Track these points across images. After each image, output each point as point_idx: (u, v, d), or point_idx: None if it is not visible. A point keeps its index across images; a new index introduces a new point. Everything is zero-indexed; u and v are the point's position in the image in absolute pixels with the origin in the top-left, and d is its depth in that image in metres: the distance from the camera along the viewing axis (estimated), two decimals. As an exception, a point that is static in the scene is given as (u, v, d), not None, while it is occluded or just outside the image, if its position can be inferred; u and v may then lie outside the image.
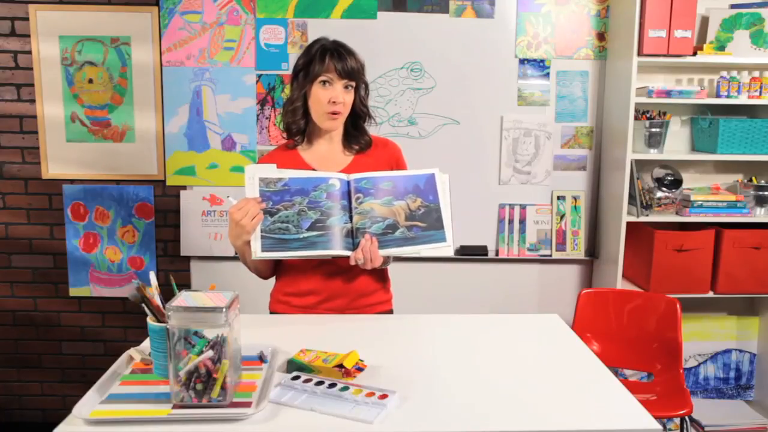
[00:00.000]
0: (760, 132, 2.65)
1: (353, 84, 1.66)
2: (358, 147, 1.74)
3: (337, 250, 1.56)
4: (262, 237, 1.54)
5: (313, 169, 1.70)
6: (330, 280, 1.70)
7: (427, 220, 1.59)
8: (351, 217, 1.59)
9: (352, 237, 1.58)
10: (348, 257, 1.57)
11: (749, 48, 2.68)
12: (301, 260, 1.65)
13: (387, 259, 1.67)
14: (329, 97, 1.63)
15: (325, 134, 1.72)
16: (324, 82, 1.63)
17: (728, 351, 3.01)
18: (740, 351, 3.01)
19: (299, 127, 1.70)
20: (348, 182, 1.62)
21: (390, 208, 1.59)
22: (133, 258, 2.89)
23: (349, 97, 1.66)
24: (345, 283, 1.70)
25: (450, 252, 1.59)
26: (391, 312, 1.82)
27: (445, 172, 1.65)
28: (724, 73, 2.68)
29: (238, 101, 2.79)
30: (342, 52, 1.64)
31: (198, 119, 2.80)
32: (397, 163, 1.78)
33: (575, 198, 2.89)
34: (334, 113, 1.64)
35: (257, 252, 1.54)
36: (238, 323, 1.19)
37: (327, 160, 1.73)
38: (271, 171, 1.59)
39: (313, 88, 1.64)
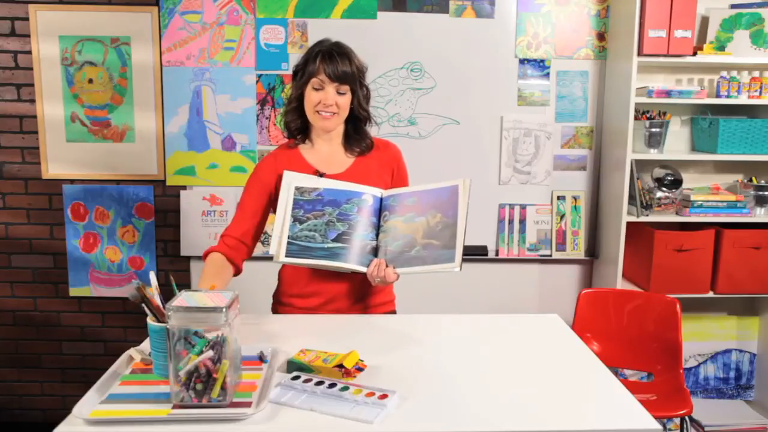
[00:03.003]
0: (760, 132, 2.65)
1: (346, 88, 1.65)
2: (359, 150, 1.75)
3: (355, 264, 1.57)
4: (289, 243, 1.55)
5: (316, 169, 1.70)
6: (333, 282, 1.70)
7: (441, 238, 1.53)
8: (377, 235, 1.60)
9: (375, 254, 1.59)
10: (363, 273, 1.57)
11: (749, 48, 2.68)
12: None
13: None
14: (319, 99, 1.64)
15: (324, 135, 1.72)
16: (316, 84, 1.63)
17: (728, 351, 3.01)
18: (740, 351, 3.01)
19: (297, 126, 1.73)
20: (381, 199, 1.63)
21: (410, 224, 1.58)
22: (133, 258, 2.89)
23: (343, 100, 1.65)
24: (348, 285, 1.70)
25: (456, 270, 1.50)
26: (394, 313, 1.83)
27: (469, 178, 1.57)
28: (724, 73, 2.68)
29: (238, 101, 2.79)
30: (335, 56, 1.62)
31: (198, 119, 2.79)
32: (398, 166, 1.79)
33: (575, 198, 2.88)
34: (323, 113, 1.64)
35: (280, 256, 1.55)
36: (238, 323, 1.19)
37: (329, 161, 1.73)
38: (308, 180, 1.62)
39: (306, 90, 1.65)
